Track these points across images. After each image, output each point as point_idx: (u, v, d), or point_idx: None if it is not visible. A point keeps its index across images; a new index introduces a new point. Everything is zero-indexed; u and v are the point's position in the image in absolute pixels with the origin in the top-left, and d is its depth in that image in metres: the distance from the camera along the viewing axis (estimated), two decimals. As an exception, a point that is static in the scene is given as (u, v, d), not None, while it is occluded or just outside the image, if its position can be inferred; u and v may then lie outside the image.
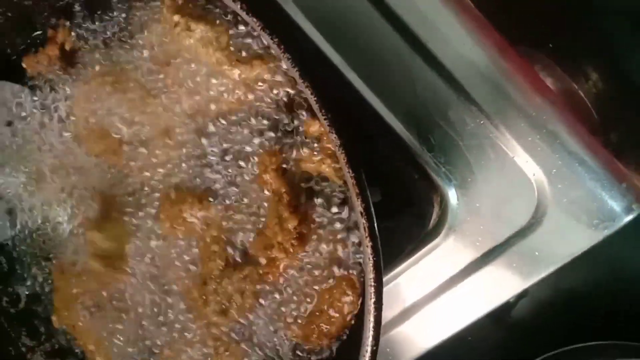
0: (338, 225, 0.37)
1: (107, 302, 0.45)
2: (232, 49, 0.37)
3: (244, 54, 0.37)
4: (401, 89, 0.40)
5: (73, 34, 0.43)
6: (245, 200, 0.39)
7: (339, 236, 0.37)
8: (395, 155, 0.41)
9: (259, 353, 0.40)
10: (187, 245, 0.41)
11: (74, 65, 0.44)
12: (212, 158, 0.40)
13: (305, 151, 0.37)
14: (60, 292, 0.47)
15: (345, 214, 0.37)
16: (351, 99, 0.40)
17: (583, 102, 0.48)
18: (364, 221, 0.29)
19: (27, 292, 0.49)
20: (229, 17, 0.38)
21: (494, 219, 0.40)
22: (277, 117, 0.38)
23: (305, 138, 0.37)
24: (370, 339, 0.31)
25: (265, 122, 0.38)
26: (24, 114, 0.46)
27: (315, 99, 0.28)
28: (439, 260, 0.42)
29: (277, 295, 0.39)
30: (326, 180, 0.38)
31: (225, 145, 0.39)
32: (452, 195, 0.40)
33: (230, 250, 0.40)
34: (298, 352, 0.40)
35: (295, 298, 0.39)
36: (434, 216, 0.42)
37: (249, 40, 0.38)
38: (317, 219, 0.37)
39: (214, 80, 0.38)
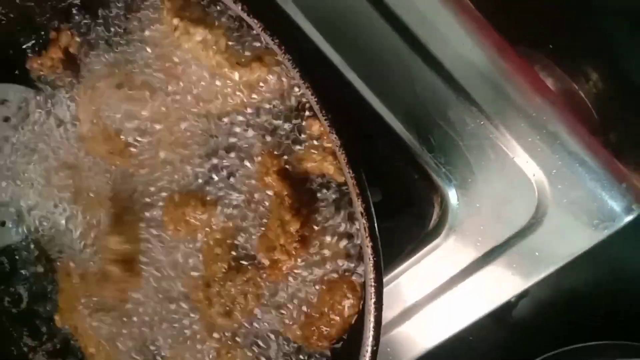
0: (340, 228, 0.38)
1: (111, 306, 0.45)
2: (231, 51, 0.37)
3: (243, 56, 0.37)
4: (401, 89, 0.40)
5: (77, 38, 0.43)
6: (248, 203, 0.39)
7: (340, 238, 0.38)
8: (395, 156, 0.42)
9: (261, 355, 0.40)
10: (192, 248, 0.41)
11: (78, 67, 0.44)
12: (215, 160, 0.40)
13: (307, 150, 0.37)
14: (65, 293, 0.47)
15: (346, 216, 0.38)
16: (351, 99, 0.40)
17: (583, 102, 0.48)
18: (364, 221, 0.29)
19: (28, 293, 0.50)
20: (229, 18, 0.38)
21: (494, 219, 0.40)
22: (279, 118, 0.38)
23: (308, 137, 0.38)
24: (371, 339, 0.31)
25: (267, 122, 0.38)
26: (29, 116, 0.46)
27: (316, 99, 0.28)
28: (440, 260, 0.42)
29: (278, 297, 0.39)
30: (329, 181, 0.38)
31: (228, 147, 0.39)
32: (452, 195, 0.41)
33: (233, 252, 0.40)
34: (300, 356, 0.40)
35: (296, 299, 0.39)
36: (434, 216, 0.42)
37: (248, 43, 0.38)
38: (320, 221, 0.38)
39: (216, 82, 0.39)
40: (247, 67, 0.37)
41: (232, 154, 0.39)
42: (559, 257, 0.39)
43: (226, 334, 0.41)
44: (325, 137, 0.37)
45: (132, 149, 0.42)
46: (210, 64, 0.37)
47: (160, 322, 0.43)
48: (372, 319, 0.30)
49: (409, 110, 0.40)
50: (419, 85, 0.39)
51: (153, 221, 0.42)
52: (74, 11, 0.44)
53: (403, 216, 0.43)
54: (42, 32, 0.45)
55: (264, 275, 0.39)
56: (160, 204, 0.42)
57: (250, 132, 0.39)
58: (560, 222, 0.38)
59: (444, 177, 0.40)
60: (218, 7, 0.38)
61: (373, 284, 0.30)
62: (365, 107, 0.41)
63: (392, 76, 0.40)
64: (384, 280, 0.42)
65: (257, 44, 0.38)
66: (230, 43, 0.37)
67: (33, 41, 0.45)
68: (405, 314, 0.44)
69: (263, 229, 0.39)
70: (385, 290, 0.42)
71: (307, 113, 0.38)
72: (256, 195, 0.39)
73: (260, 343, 0.41)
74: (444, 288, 0.43)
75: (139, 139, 0.42)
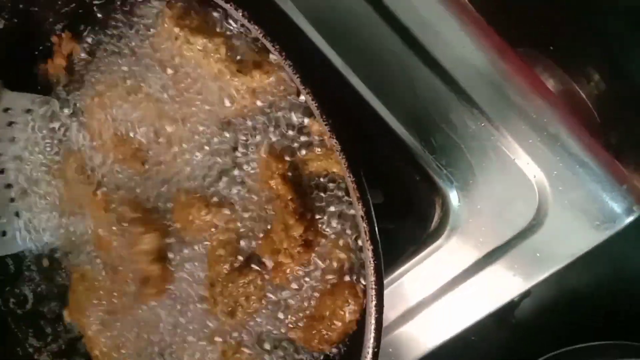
0: (343, 231, 0.38)
1: (120, 310, 0.45)
2: (232, 59, 0.37)
3: (244, 63, 0.37)
4: (402, 90, 0.40)
5: (79, 45, 0.44)
6: (253, 205, 0.39)
7: (343, 241, 0.38)
8: (396, 157, 0.42)
9: (265, 355, 0.41)
10: (197, 249, 0.42)
11: (85, 74, 0.44)
12: (221, 163, 0.40)
13: (311, 149, 0.38)
14: (77, 294, 0.47)
15: (349, 220, 0.38)
16: (352, 101, 0.41)
17: (584, 103, 0.48)
18: (365, 225, 0.30)
19: (33, 294, 0.50)
20: (229, 25, 0.38)
21: (495, 221, 0.40)
22: (283, 120, 0.38)
23: (311, 137, 0.38)
24: (372, 340, 0.31)
25: (271, 125, 0.39)
26: (41, 123, 0.46)
27: (316, 104, 0.29)
28: (441, 261, 0.42)
29: (281, 299, 0.40)
30: (333, 182, 0.38)
31: (234, 149, 0.40)
32: (453, 197, 0.41)
33: (236, 254, 0.40)
34: (302, 356, 0.40)
35: (298, 302, 0.39)
36: (436, 218, 0.42)
37: (248, 49, 0.38)
38: (324, 225, 0.38)
39: (219, 87, 0.39)
40: (247, 75, 0.37)
41: (238, 157, 0.40)
42: (560, 258, 0.39)
43: (233, 334, 0.41)
44: (327, 137, 0.37)
45: (141, 153, 0.43)
46: (212, 71, 0.38)
47: (169, 323, 0.44)
48: (373, 320, 0.31)
49: (410, 112, 0.40)
50: (420, 87, 0.39)
51: (167, 221, 0.43)
52: (77, 18, 0.44)
53: (405, 218, 0.43)
54: (48, 39, 0.45)
55: (267, 277, 0.39)
56: (169, 205, 0.42)
57: (255, 135, 0.39)
58: (561, 223, 0.38)
59: (445, 178, 0.40)
60: (218, 14, 0.38)
61: (374, 286, 0.30)
62: (366, 108, 0.41)
63: (392, 78, 0.40)
64: (386, 281, 0.43)
65: (258, 50, 0.38)
66: (230, 51, 0.37)
67: (41, 49, 0.45)
68: (408, 315, 0.44)
69: (267, 231, 0.39)
70: (387, 291, 0.43)
71: (309, 115, 0.38)
72: (261, 199, 0.39)
73: (265, 344, 0.41)
74: (446, 289, 0.43)
75: (149, 143, 0.42)
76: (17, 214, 0.47)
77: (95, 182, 0.44)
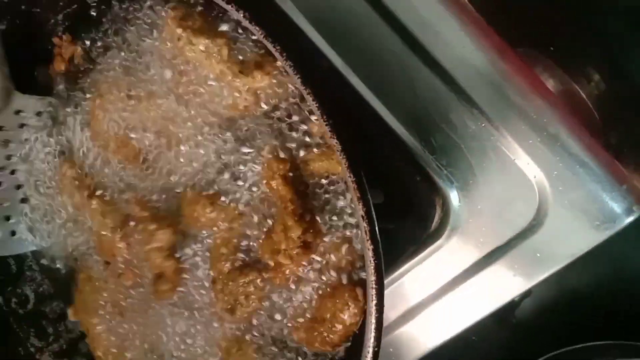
0: (343, 233, 0.38)
1: (126, 311, 0.45)
2: (234, 60, 0.37)
3: (246, 64, 0.38)
4: (402, 91, 0.40)
5: (80, 48, 0.44)
6: (255, 205, 0.40)
7: (344, 243, 0.38)
8: (397, 157, 0.42)
9: (268, 353, 0.41)
10: (200, 246, 0.42)
11: (86, 75, 0.45)
12: (224, 162, 0.40)
13: (312, 150, 0.38)
14: (83, 295, 0.47)
15: (349, 221, 0.38)
16: (353, 102, 0.41)
17: (585, 103, 0.48)
18: (365, 225, 0.30)
19: (35, 294, 0.50)
20: (231, 25, 0.38)
21: (495, 221, 0.40)
22: (285, 121, 0.39)
23: (313, 137, 0.38)
24: (372, 340, 0.31)
25: (273, 125, 0.39)
26: (44, 126, 0.47)
27: (317, 105, 0.29)
28: (442, 261, 0.42)
29: (281, 300, 0.40)
30: (334, 183, 0.38)
31: (237, 149, 0.40)
32: (454, 197, 0.41)
33: (238, 253, 0.40)
34: (303, 356, 0.40)
35: (299, 303, 0.39)
36: (436, 218, 0.42)
37: (250, 49, 0.38)
38: (324, 227, 0.38)
39: (222, 88, 0.39)
40: (249, 76, 0.37)
41: (240, 157, 0.40)
42: (560, 258, 0.39)
43: (236, 333, 0.41)
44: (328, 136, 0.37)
45: (144, 153, 0.43)
46: (214, 72, 0.38)
47: (173, 321, 0.44)
48: (373, 320, 0.31)
49: (410, 112, 0.40)
50: (420, 87, 0.39)
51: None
52: (79, 19, 0.44)
53: (405, 218, 0.43)
54: (49, 41, 0.45)
55: (267, 277, 0.39)
56: (175, 203, 0.42)
57: (257, 136, 0.39)
58: (561, 224, 0.38)
59: (446, 178, 0.41)
60: (220, 15, 0.38)
61: (374, 286, 0.30)
62: (366, 108, 0.41)
63: (392, 78, 0.40)
64: (386, 281, 0.43)
65: (259, 50, 0.38)
66: (232, 52, 0.37)
67: (42, 49, 0.45)
68: (408, 315, 0.44)
69: (268, 232, 0.39)
70: (388, 290, 0.43)
71: (311, 115, 0.38)
72: (263, 199, 0.39)
73: (268, 345, 0.41)
74: (446, 289, 0.43)
75: (149, 143, 0.43)
76: (25, 215, 0.48)
77: (91, 186, 0.45)
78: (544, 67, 0.47)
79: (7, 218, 0.47)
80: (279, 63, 0.36)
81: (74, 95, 0.46)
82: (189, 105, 0.41)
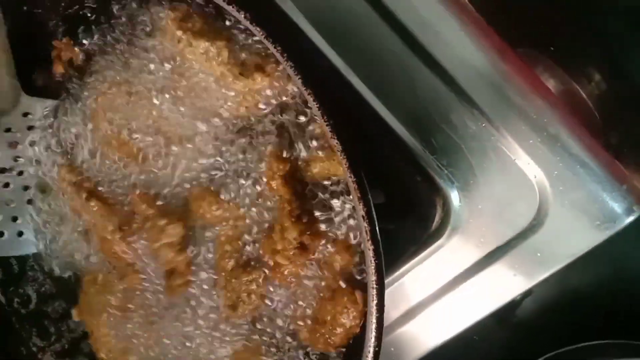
0: (345, 235, 0.38)
1: (132, 313, 0.45)
2: (234, 62, 0.38)
3: (246, 67, 0.38)
4: (402, 91, 0.40)
5: (78, 49, 0.44)
6: (258, 204, 0.40)
7: (344, 246, 0.38)
8: (397, 158, 0.42)
9: (271, 350, 0.41)
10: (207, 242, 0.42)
11: (87, 76, 0.45)
12: (226, 160, 0.41)
13: (313, 151, 0.38)
14: (88, 296, 0.47)
15: (349, 223, 0.38)
16: (353, 102, 0.41)
17: (585, 103, 0.48)
18: (366, 225, 0.30)
19: (37, 294, 0.50)
20: (231, 27, 0.38)
21: (496, 221, 0.40)
22: (286, 121, 0.39)
23: (313, 139, 0.38)
24: (373, 339, 0.31)
25: (275, 126, 0.39)
26: (47, 127, 0.47)
27: (317, 105, 0.29)
28: (443, 261, 0.42)
29: (283, 300, 0.40)
30: (334, 184, 0.38)
31: (238, 150, 0.40)
32: (454, 197, 0.41)
33: (241, 252, 0.40)
34: (305, 356, 0.40)
35: (299, 304, 0.39)
36: (437, 218, 0.42)
37: (250, 50, 0.38)
38: (324, 228, 0.38)
39: (223, 89, 0.39)
40: (249, 78, 0.37)
41: (242, 157, 0.40)
42: (560, 257, 0.39)
43: (241, 332, 0.42)
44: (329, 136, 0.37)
45: (147, 152, 0.43)
46: (215, 73, 0.38)
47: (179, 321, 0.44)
48: (374, 320, 0.31)
49: (410, 112, 0.40)
50: (420, 87, 0.40)
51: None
52: (80, 20, 0.44)
53: (405, 218, 0.43)
54: (50, 42, 0.45)
55: (268, 276, 0.40)
56: (177, 202, 0.43)
57: (258, 136, 0.39)
58: (561, 224, 0.38)
59: (446, 178, 0.41)
60: (220, 16, 0.38)
61: (375, 286, 0.30)
62: (367, 108, 0.41)
63: (393, 78, 0.40)
64: (387, 281, 0.43)
65: (259, 51, 0.38)
66: (233, 54, 0.37)
67: (42, 50, 0.45)
68: (409, 314, 0.44)
69: (269, 232, 0.39)
70: (388, 290, 0.43)
71: (311, 116, 0.38)
72: (265, 198, 0.39)
73: (274, 342, 0.41)
74: (447, 288, 0.43)
75: (151, 142, 0.43)
76: (32, 216, 0.48)
77: (89, 189, 0.45)
78: (545, 67, 0.47)
79: (14, 219, 0.48)
80: (279, 64, 0.36)
81: (75, 96, 0.46)
82: (190, 105, 0.41)
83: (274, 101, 0.39)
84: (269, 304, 0.40)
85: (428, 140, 0.40)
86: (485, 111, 0.39)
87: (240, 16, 0.30)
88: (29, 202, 0.48)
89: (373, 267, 0.30)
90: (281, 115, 0.39)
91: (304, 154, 0.38)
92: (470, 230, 0.41)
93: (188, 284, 0.43)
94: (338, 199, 0.38)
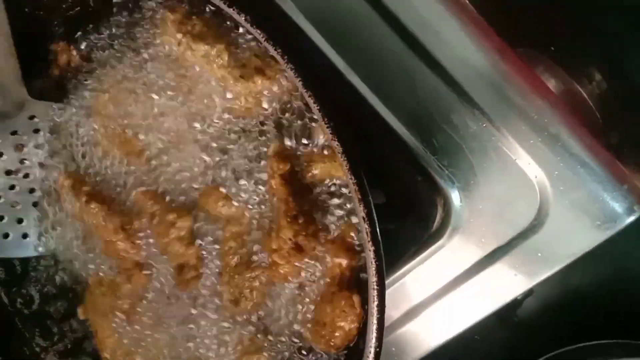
0: (344, 237, 0.38)
1: (137, 315, 0.45)
2: (234, 65, 0.38)
3: (246, 69, 0.38)
4: (403, 91, 0.40)
5: (84, 48, 0.44)
6: (260, 203, 0.40)
7: (343, 248, 0.38)
8: (398, 158, 0.42)
9: (274, 347, 0.41)
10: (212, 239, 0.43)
11: (88, 77, 0.45)
12: (230, 159, 0.41)
13: (313, 151, 0.38)
14: (94, 297, 0.48)
15: (349, 226, 0.38)
16: (353, 102, 0.41)
17: (586, 103, 0.48)
18: (367, 226, 0.30)
19: (39, 294, 0.50)
20: (231, 29, 0.38)
21: (496, 221, 0.40)
22: (287, 122, 0.39)
23: (313, 139, 0.38)
24: (374, 340, 0.31)
25: (276, 126, 0.39)
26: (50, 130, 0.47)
27: (318, 107, 0.29)
28: (443, 261, 0.42)
29: (285, 300, 0.40)
30: (334, 186, 0.38)
31: (240, 149, 0.40)
32: (455, 197, 0.41)
33: (244, 249, 0.41)
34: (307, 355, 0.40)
35: (300, 305, 0.39)
36: (438, 218, 0.42)
37: (249, 53, 0.38)
38: (322, 230, 0.38)
39: (224, 90, 0.39)
40: (250, 81, 0.37)
41: (245, 156, 0.40)
42: (561, 257, 0.39)
43: (246, 330, 0.42)
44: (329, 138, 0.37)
45: (148, 151, 0.43)
46: (216, 75, 0.38)
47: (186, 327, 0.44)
48: (374, 321, 0.31)
49: (411, 112, 0.40)
50: (421, 88, 0.40)
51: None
52: (81, 21, 0.44)
53: (406, 218, 0.43)
54: (51, 44, 0.45)
55: (267, 274, 0.40)
56: (182, 198, 0.43)
57: (260, 136, 0.40)
58: (562, 223, 0.38)
59: (447, 179, 0.41)
60: (220, 18, 0.39)
61: (375, 287, 0.30)
62: (367, 108, 0.41)
63: (393, 78, 0.40)
64: (388, 281, 0.43)
65: (259, 52, 0.38)
66: (233, 56, 0.38)
67: (42, 52, 0.46)
68: (410, 314, 0.44)
69: (268, 230, 0.39)
70: (389, 290, 0.43)
71: (312, 117, 0.38)
72: (266, 197, 0.40)
73: (278, 341, 0.41)
74: (448, 288, 0.43)
75: (153, 141, 0.43)
76: (37, 219, 0.48)
77: (89, 191, 0.45)
78: (545, 67, 0.47)
79: (20, 221, 0.48)
80: (280, 66, 0.36)
81: (76, 97, 0.46)
82: (191, 105, 0.41)
83: (275, 102, 0.39)
84: (270, 303, 0.41)
85: (429, 140, 0.40)
86: (486, 111, 0.39)
87: (241, 19, 0.30)
88: (35, 204, 0.48)
89: (374, 269, 0.30)
90: (282, 116, 0.39)
91: (304, 154, 0.38)
92: (471, 230, 0.41)
93: (200, 277, 0.43)
94: (338, 199, 0.38)
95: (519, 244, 0.40)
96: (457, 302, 0.43)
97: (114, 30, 0.43)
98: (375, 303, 0.30)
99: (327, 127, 0.29)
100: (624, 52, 0.48)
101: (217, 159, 0.41)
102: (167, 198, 0.43)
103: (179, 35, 0.38)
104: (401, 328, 0.45)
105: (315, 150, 0.38)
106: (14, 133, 0.46)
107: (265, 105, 0.39)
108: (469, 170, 0.40)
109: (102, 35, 0.44)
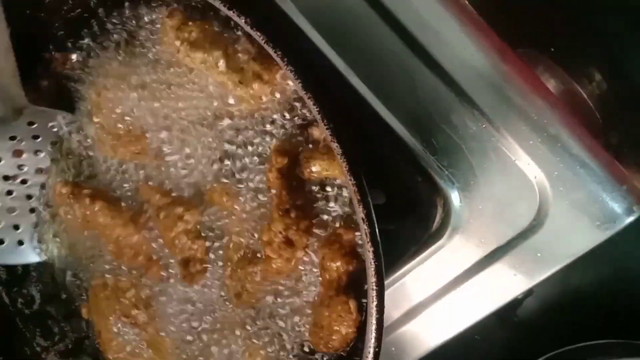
0: (343, 237, 0.38)
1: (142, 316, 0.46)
2: (233, 70, 0.38)
3: (244, 74, 0.38)
4: (403, 91, 0.40)
5: (84, 49, 0.44)
6: (260, 199, 0.40)
7: (342, 248, 0.38)
8: (397, 158, 0.42)
9: (276, 346, 0.41)
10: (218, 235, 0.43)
11: (89, 77, 0.45)
12: (232, 156, 0.41)
13: (313, 151, 0.38)
14: (98, 299, 0.48)
15: (347, 226, 0.38)
16: (353, 103, 0.41)
17: (586, 104, 0.48)
18: (366, 227, 0.30)
19: (40, 294, 0.51)
20: (229, 32, 0.38)
21: (496, 221, 0.40)
22: (286, 123, 0.39)
23: (313, 140, 0.39)
24: (373, 340, 0.31)
25: (276, 128, 0.39)
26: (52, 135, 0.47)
27: (318, 109, 0.29)
28: (443, 261, 0.42)
29: (285, 300, 0.40)
30: (333, 185, 0.38)
31: (244, 145, 0.41)
32: (455, 197, 0.41)
33: (248, 243, 0.41)
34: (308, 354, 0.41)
35: (300, 302, 0.40)
36: (437, 218, 0.42)
37: (247, 55, 0.38)
38: (318, 228, 0.38)
39: (225, 93, 0.40)
40: (249, 86, 0.37)
41: (249, 153, 0.40)
42: (560, 257, 0.39)
43: (248, 327, 0.42)
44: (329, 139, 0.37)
45: (153, 147, 0.43)
46: (215, 80, 0.38)
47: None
48: (374, 321, 0.31)
49: (411, 112, 0.40)
50: (420, 88, 0.40)
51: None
52: (82, 22, 0.44)
53: (406, 218, 0.44)
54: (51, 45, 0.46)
55: (272, 269, 0.40)
56: (188, 193, 0.43)
57: (260, 136, 0.40)
58: (561, 224, 0.38)
59: (447, 179, 0.41)
60: (219, 21, 0.39)
61: (375, 287, 0.31)
62: (367, 108, 0.41)
63: (393, 78, 0.40)
64: (388, 281, 0.43)
65: (258, 57, 0.38)
66: (231, 62, 0.38)
67: (42, 55, 0.46)
68: (410, 314, 0.44)
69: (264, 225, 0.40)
70: (389, 290, 0.43)
71: (312, 117, 0.38)
72: (266, 192, 0.40)
73: (281, 340, 0.41)
74: (448, 288, 0.43)
75: (156, 140, 0.43)
76: (35, 226, 0.48)
77: (91, 193, 0.45)
78: (545, 67, 0.47)
79: (16, 227, 0.48)
80: (279, 68, 0.36)
81: (76, 100, 0.46)
82: (192, 106, 0.41)
83: (275, 103, 0.39)
84: (270, 301, 0.41)
85: (428, 141, 0.40)
86: (486, 112, 0.39)
87: (241, 21, 0.30)
88: (32, 210, 0.48)
89: (373, 269, 0.30)
90: (283, 116, 0.39)
91: (304, 154, 0.38)
92: (471, 231, 0.41)
93: (206, 270, 0.43)
94: (336, 199, 0.38)
95: (518, 244, 0.40)
96: (457, 302, 0.43)
97: (115, 33, 0.43)
98: (375, 303, 0.31)
99: (327, 129, 0.29)
100: (624, 52, 0.48)
101: (222, 156, 0.41)
102: (174, 193, 0.43)
103: (177, 43, 0.38)
104: (401, 328, 0.45)
105: (314, 150, 0.38)
106: (12, 138, 0.46)
107: (265, 106, 0.39)
108: (469, 171, 0.40)
109: (103, 38, 0.44)
